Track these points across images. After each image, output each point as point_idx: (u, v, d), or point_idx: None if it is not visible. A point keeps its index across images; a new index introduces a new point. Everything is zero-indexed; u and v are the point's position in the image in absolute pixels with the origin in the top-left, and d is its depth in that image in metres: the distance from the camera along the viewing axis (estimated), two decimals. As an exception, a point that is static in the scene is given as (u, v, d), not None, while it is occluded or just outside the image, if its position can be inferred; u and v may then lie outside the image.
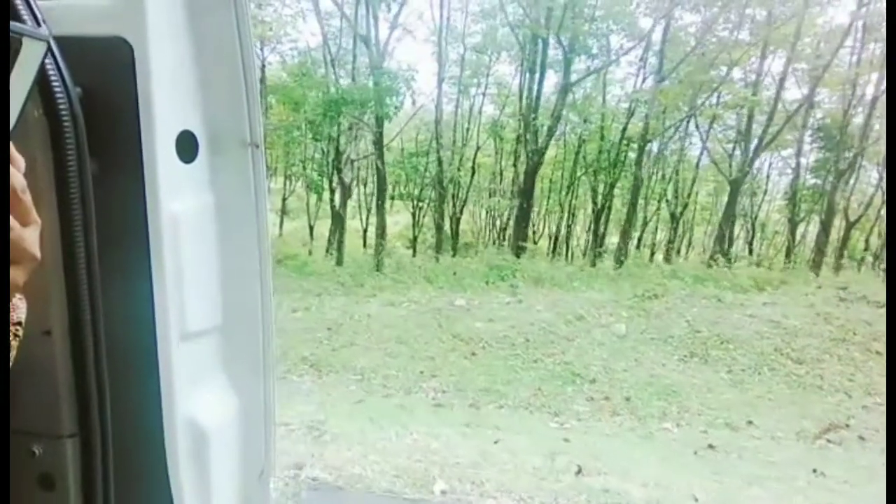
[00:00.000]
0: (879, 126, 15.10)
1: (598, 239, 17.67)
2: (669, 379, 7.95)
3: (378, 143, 15.12)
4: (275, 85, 17.26)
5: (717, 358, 8.45)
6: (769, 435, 6.68)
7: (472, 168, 18.83)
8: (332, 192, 16.59)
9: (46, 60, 0.70)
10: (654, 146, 17.38)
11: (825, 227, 15.62)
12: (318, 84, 15.76)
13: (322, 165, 17.38)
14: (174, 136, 0.87)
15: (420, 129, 18.89)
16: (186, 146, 0.89)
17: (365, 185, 20.74)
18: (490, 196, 19.50)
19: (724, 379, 8.03)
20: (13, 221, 0.54)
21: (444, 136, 16.89)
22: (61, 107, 0.75)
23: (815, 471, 5.52)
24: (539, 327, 9.19)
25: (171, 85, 0.85)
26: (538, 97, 16.22)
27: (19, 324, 0.68)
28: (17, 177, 0.55)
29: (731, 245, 17.13)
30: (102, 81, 0.82)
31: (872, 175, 17.33)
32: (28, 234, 0.57)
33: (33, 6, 0.70)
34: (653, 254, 19.33)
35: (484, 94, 19.46)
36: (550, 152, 17.17)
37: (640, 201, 17.61)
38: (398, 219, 20.18)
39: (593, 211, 18.35)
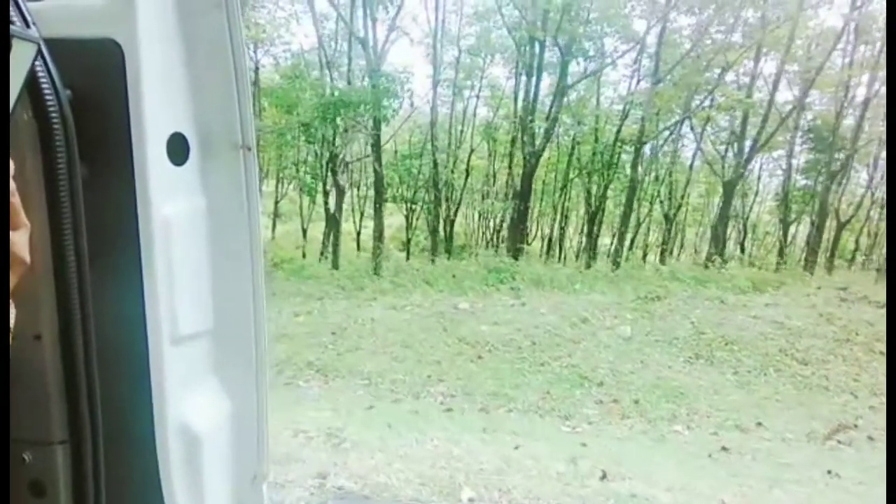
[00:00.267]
0: (870, 128, 15.34)
1: (591, 241, 17.72)
2: (676, 381, 7.96)
3: (376, 145, 15.06)
4: (268, 87, 17.16)
5: (722, 359, 8.48)
6: (780, 436, 6.69)
7: (466, 170, 18.83)
8: (326, 194, 16.48)
9: (36, 62, 0.69)
10: (647, 148, 17.48)
11: (818, 228, 15.78)
12: (313, 86, 15.68)
13: (315, 168, 17.27)
14: (165, 138, 0.86)
15: (413, 131, 18.86)
16: (177, 149, 0.88)
17: (358, 188, 20.65)
18: (484, 198, 19.48)
19: (730, 380, 8.05)
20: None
21: (438, 139, 16.86)
22: (51, 109, 0.74)
23: (829, 472, 5.54)
24: (544, 330, 9.16)
25: (161, 87, 0.84)
26: (535, 99, 16.25)
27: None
28: None
29: (724, 246, 17.27)
30: (92, 83, 0.81)
31: (863, 176, 17.60)
32: (17, 238, 0.57)
33: (23, 8, 0.68)
34: (645, 255, 19.42)
35: (478, 97, 19.51)
36: (544, 154, 17.21)
37: (634, 203, 17.70)
38: (391, 221, 20.09)
39: (587, 213, 18.42)
